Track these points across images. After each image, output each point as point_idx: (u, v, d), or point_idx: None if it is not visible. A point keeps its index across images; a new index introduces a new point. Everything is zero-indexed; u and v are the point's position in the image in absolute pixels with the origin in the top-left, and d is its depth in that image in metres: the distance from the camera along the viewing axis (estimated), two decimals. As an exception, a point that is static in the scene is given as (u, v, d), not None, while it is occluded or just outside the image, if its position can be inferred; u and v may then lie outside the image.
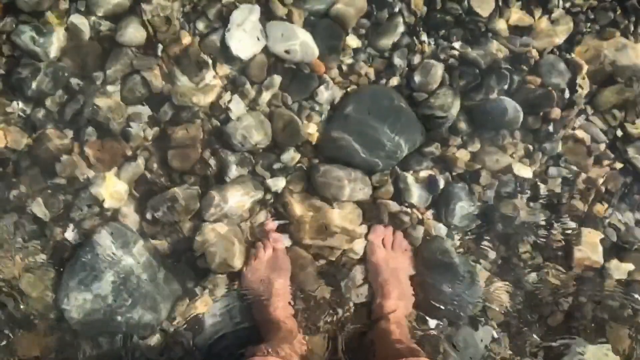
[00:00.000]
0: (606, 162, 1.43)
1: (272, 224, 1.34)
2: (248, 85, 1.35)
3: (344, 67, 1.38)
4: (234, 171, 1.34)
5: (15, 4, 1.31)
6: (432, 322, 1.33)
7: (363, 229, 1.36)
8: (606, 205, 1.41)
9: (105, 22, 1.36)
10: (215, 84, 1.35)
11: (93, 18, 1.35)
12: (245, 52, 1.33)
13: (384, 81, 1.38)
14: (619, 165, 1.43)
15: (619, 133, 1.43)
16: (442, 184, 1.37)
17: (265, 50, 1.35)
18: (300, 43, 1.33)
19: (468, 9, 1.40)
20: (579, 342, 1.33)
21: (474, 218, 1.37)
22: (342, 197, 1.33)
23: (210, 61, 1.35)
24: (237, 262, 1.32)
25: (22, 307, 1.30)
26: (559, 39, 1.41)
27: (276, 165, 1.35)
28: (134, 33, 1.33)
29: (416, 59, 1.38)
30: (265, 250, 1.32)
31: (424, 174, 1.37)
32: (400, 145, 1.32)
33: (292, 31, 1.33)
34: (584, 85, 1.41)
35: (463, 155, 1.39)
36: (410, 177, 1.36)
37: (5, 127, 1.33)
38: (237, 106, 1.35)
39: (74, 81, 1.35)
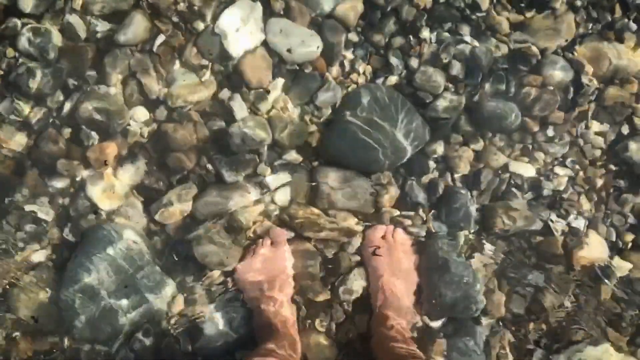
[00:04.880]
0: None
1: (280, 231, 1.32)
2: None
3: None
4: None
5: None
6: (433, 323, 1.32)
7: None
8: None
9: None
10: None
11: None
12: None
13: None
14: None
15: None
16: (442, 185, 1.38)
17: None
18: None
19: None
20: (580, 340, 1.34)
21: (475, 218, 1.37)
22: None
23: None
24: (233, 262, 1.31)
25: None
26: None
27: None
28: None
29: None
30: (264, 246, 1.30)
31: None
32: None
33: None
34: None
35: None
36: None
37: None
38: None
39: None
